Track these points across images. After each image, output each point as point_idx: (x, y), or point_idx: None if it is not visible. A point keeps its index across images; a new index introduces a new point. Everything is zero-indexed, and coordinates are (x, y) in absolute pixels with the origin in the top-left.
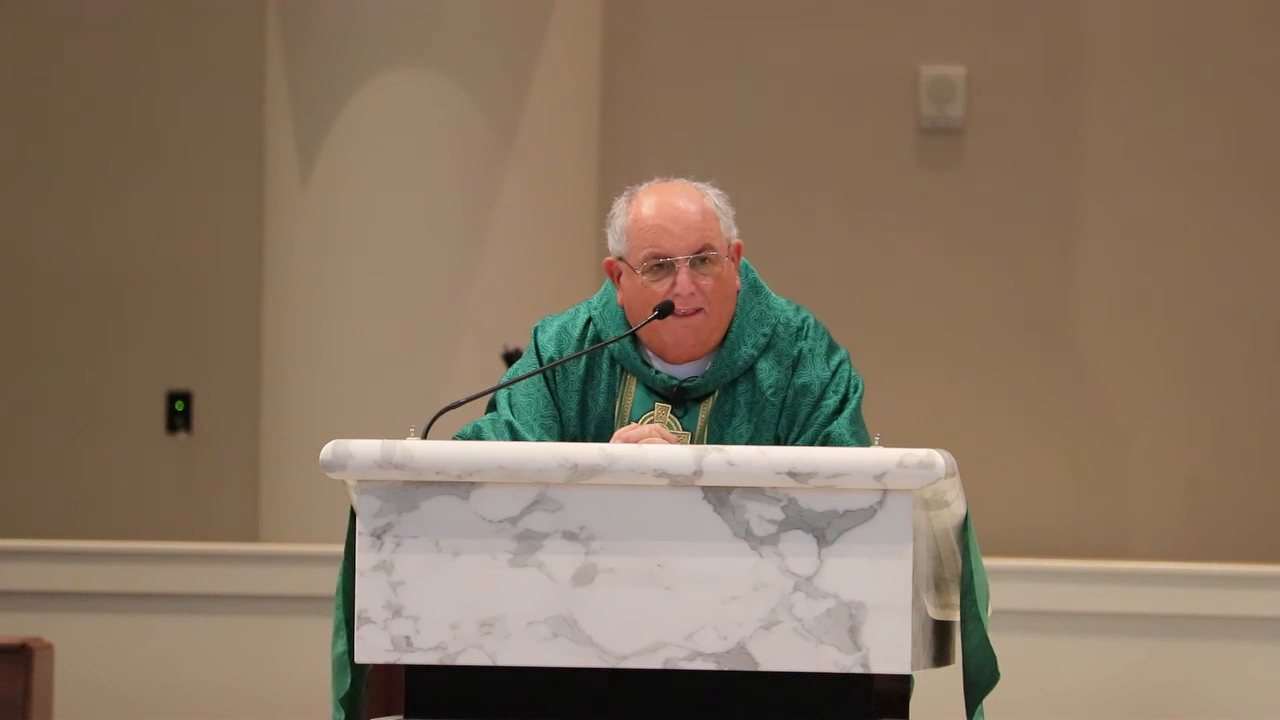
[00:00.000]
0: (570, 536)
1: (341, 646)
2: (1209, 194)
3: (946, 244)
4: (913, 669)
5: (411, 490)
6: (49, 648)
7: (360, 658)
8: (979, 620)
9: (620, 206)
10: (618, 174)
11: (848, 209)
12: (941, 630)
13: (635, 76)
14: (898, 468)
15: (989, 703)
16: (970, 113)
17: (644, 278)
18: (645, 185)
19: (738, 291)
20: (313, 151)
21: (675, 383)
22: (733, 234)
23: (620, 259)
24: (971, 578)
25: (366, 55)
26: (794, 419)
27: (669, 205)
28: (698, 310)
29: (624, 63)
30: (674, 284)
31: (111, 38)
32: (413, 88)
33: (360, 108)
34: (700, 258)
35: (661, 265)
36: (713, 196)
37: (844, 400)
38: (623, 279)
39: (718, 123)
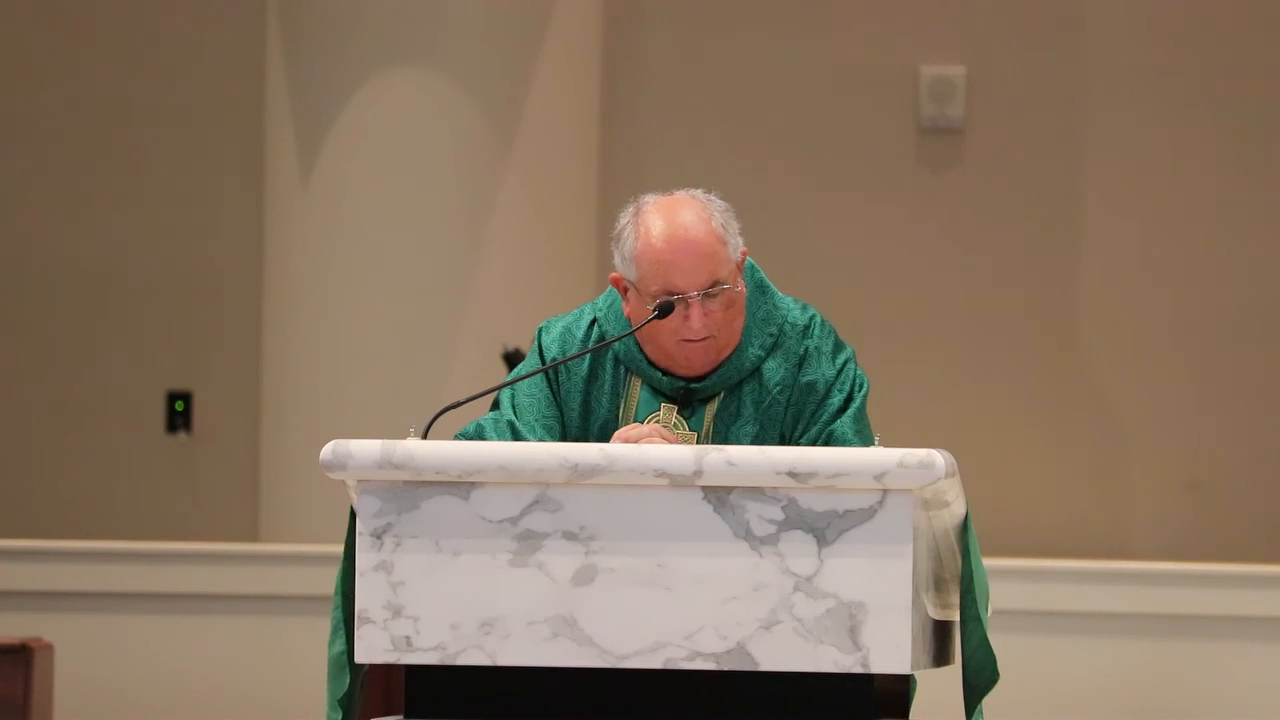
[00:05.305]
0: (570, 536)
1: (340, 646)
2: (1210, 194)
3: (946, 244)
4: (913, 669)
5: (411, 490)
6: (49, 648)
7: (360, 658)
8: (979, 620)
9: (627, 228)
10: (618, 174)
11: (848, 209)
12: (941, 630)
13: (635, 76)
14: (898, 468)
15: (989, 703)
16: (970, 113)
17: (654, 308)
18: (650, 201)
19: (744, 296)
20: (313, 151)
21: (682, 384)
22: (738, 251)
23: (629, 280)
24: (971, 578)
25: (366, 55)
26: (799, 416)
27: (678, 238)
28: (708, 337)
29: (624, 63)
30: (686, 319)
31: (111, 37)
32: (413, 88)
33: (360, 108)
34: (710, 293)
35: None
36: (718, 216)
37: (849, 399)
38: (630, 296)
39: (718, 123)
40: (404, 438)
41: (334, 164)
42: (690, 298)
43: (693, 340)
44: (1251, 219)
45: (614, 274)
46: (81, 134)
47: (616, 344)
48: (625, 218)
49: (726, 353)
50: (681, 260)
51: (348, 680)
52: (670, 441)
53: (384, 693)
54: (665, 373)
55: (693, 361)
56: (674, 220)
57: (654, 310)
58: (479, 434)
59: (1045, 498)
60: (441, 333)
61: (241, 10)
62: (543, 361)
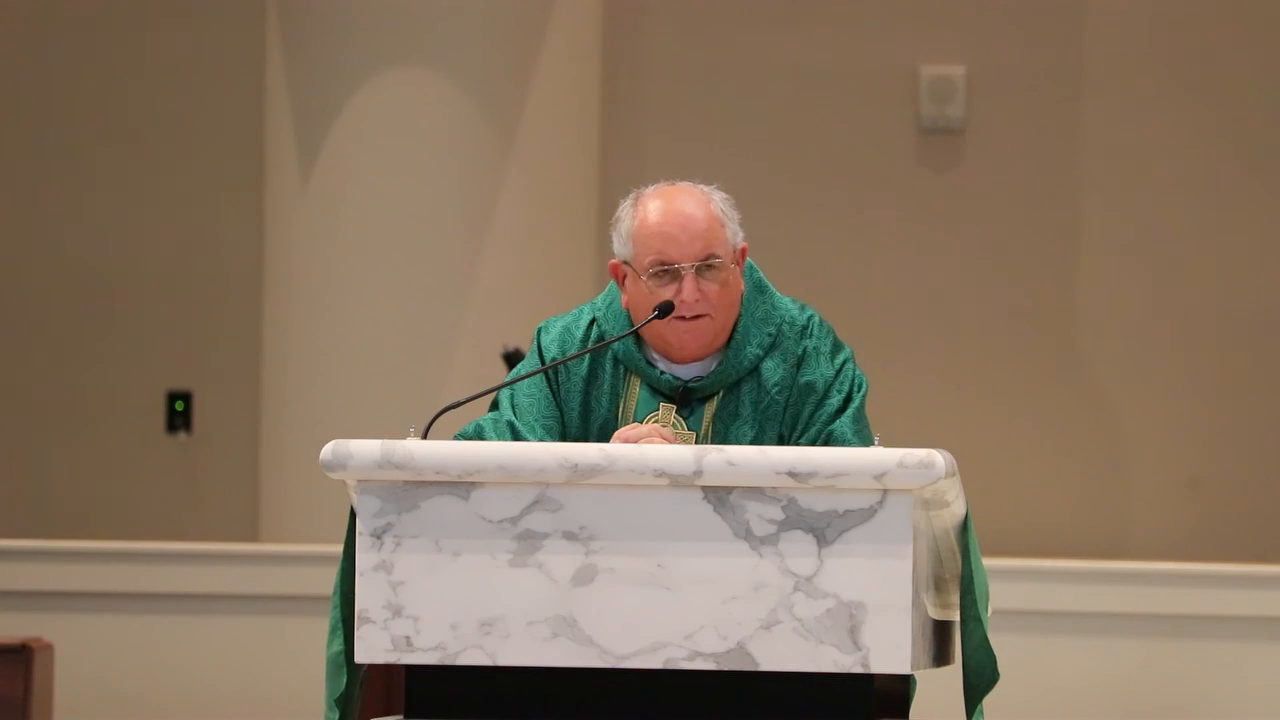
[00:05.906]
0: (570, 536)
1: (337, 646)
2: (1209, 193)
3: (946, 244)
4: (913, 669)
5: (411, 490)
6: (49, 648)
7: (360, 658)
8: (979, 620)
9: (626, 210)
10: (618, 174)
11: (848, 209)
12: (941, 630)
13: (635, 76)
14: (898, 468)
15: (989, 703)
16: (970, 113)
17: (650, 284)
18: (651, 188)
19: (742, 294)
20: (313, 151)
21: (681, 383)
22: (738, 238)
23: (625, 263)
24: (971, 578)
25: (366, 55)
26: (798, 417)
27: (675, 212)
28: (702, 315)
29: (624, 63)
30: (679, 291)
31: (112, 36)
32: (413, 88)
33: (360, 108)
34: (705, 265)
35: (667, 272)
36: (718, 201)
37: (847, 399)
38: (627, 282)
39: (718, 123)
40: (404, 438)
41: (334, 164)
42: (684, 268)
43: (685, 318)
44: (1251, 219)
45: (612, 261)
46: (81, 133)
47: (616, 344)
48: (625, 204)
49: (722, 339)
50: (676, 232)
51: (345, 680)
52: (670, 441)
53: (384, 693)
54: (664, 371)
55: (685, 342)
56: (672, 200)
57: (654, 310)
58: (479, 434)
59: (1045, 498)
60: (441, 333)
61: (241, 10)
62: (542, 361)
